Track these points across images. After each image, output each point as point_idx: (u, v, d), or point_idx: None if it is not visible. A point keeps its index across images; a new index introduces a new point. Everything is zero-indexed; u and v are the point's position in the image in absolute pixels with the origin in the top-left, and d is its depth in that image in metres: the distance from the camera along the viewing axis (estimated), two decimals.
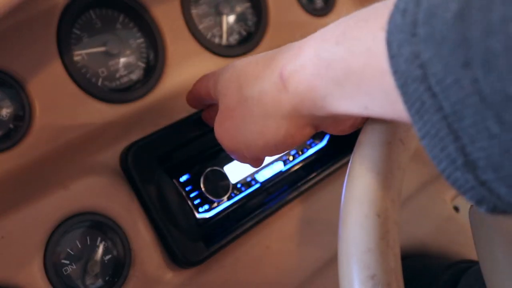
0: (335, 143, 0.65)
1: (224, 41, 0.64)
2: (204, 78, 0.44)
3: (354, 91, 0.26)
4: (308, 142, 0.64)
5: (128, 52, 0.58)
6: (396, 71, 0.22)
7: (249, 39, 0.65)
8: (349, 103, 0.27)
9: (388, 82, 0.23)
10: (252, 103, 0.33)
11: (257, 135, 0.33)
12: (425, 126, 0.22)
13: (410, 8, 0.22)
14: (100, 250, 0.50)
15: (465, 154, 0.21)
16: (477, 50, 0.19)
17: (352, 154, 0.30)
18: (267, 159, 0.60)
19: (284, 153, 0.62)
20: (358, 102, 0.26)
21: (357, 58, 0.25)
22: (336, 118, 0.33)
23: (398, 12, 0.22)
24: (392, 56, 0.22)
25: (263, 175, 0.60)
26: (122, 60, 0.57)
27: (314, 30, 0.73)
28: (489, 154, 0.20)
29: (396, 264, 0.25)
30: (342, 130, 0.35)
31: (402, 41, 0.22)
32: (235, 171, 0.58)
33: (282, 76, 0.31)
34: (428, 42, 0.21)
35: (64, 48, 0.52)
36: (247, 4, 0.66)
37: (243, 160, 0.40)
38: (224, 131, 0.37)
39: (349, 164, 0.30)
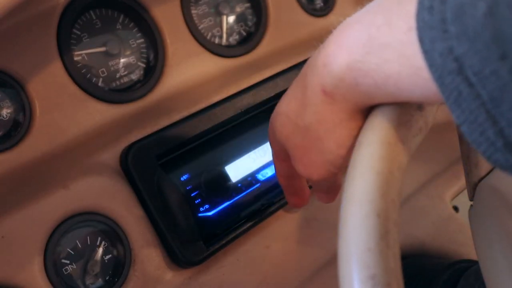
0: None
1: (224, 41, 0.64)
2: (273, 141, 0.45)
3: (394, 91, 0.28)
4: None
5: (128, 52, 0.58)
6: (432, 65, 0.23)
7: (249, 39, 0.65)
8: (392, 99, 0.29)
9: (425, 76, 0.24)
10: (316, 131, 0.35)
11: (337, 150, 0.35)
12: (464, 113, 0.23)
13: (436, 5, 0.23)
14: (100, 250, 0.50)
15: (504, 136, 0.22)
16: None
17: (352, 154, 0.30)
18: (267, 159, 0.60)
19: None
20: (400, 97, 0.28)
21: (391, 64, 0.26)
22: None
23: (424, 10, 0.23)
24: (426, 51, 0.23)
25: (263, 175, 0.60)
26: (122, 60, 0.57)
27: (314, 30, 0.73)
28: None
29: (396, 264, 0.25)
30: None
31: (433, 37, 0.23)
32: (236, 170, 0.58)
33: (325, 93, 0.32)
34: (461, 38, 0.22)
35: (64, 48, 0.52)
36: (247, 4, 0.66)
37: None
38: (308, 166, 0.38)
39: (349, 164, 0.30)
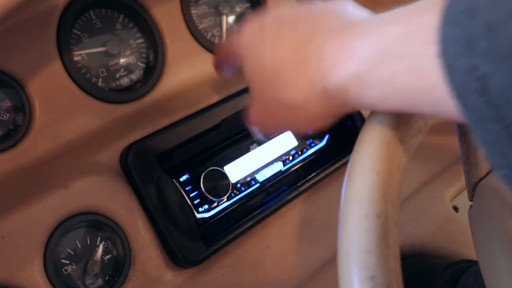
0: (334, 143, 0.65)
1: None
2: (231, 48, 0.43)
3: (400, 105, 0.27)
4: (308, 142, 0.64)
5: (128, 52, 0.58)
6: (453, 82, 0.22)
7: None
8: (395, 111, 0.29)
9: (438, 94, 0.23)
10: (297, 109, 0.34)
11: (306, 126, 0.35)
12: (485, 134, 0.22)
13: (463, 20, 0.22)
14: (100, 250, 0.50)
15: None
16: None
17: (352, 154, 0.30)
18: (267, 159, 0.60)
19: (284, 153, 0.62)
20: (404, 110, 0.27)
21: (403, 77, 0.25)
22: None
23: (448, 24, 0.22)
24: (448, 67, 0.22)
25: (263, 175, 0.60)
26: (122, 60, 0.57)
27: None
28: None
29: (396, 265, 0.25)
30: None
31: (457, 53, 0.22)
32: (235, 171, 0.58)
33: (326, 92, 0.31)
34: (489, 57, 0.21)
35: (64, 48, 0.52)
36: (247, 4, 0.66)
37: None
38: (267, 125, 0.39)
39: (349, 164, 0.30)
